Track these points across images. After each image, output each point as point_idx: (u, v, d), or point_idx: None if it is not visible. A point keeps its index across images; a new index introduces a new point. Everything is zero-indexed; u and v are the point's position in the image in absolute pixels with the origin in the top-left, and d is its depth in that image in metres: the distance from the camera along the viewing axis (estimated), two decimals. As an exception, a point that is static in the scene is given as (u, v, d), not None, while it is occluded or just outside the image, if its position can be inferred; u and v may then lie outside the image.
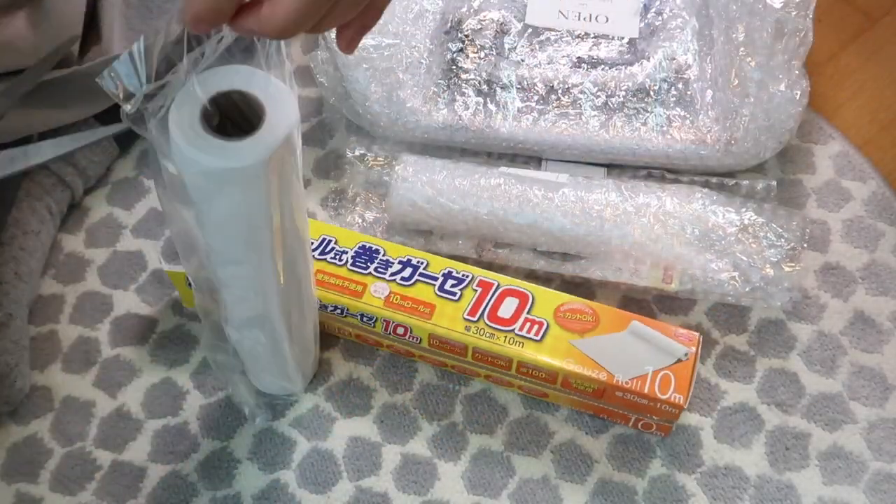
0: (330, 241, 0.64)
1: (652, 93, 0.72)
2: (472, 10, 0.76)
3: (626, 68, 0.73)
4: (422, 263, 0.63)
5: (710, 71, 0.72)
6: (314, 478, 0.61)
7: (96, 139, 0.63)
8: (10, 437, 0.63)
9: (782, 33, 0.70)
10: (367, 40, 0.72)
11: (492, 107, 0.72)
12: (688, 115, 0.71)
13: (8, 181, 0.62)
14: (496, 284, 0.62)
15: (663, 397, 0.57)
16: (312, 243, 0.64)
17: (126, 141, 0.75)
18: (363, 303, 0.61)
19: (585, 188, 0.67)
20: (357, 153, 0.73)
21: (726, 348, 0.66)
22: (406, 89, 0.72)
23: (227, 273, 0.50)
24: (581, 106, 0.72)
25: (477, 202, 0.67)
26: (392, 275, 0.62)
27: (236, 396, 0.61)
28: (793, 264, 0.66)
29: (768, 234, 0.66)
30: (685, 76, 0.72)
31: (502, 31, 0.75)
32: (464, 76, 0.73)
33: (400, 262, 0.63)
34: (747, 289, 0.65)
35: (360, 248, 0.64)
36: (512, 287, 0.62)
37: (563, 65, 0.74)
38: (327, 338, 0.67)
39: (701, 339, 0.59)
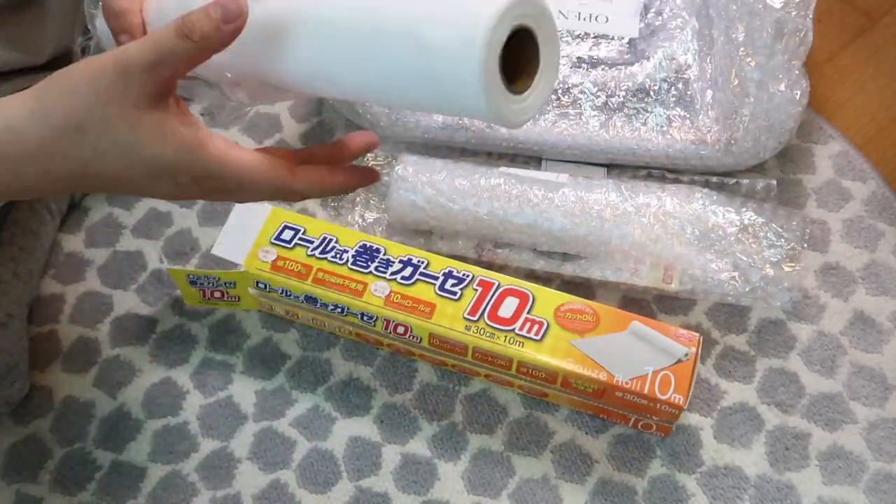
0: (331, 240, 0.64)
1: (652, 93, 0.72)
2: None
3: (626, 68, 0.73)
4: (422, 263, 0.63)
5: (710, 71, 0.72)
6: (314, 478, 0.61)
7: None
8: (10, 437, 0.63)
9: (782, 33, 0.70)
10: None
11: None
12: (688, 115, 0.71)
13: None
14: (496, 284, 0.62)
15: (663, 397, 0.57)
16: (313, 242, 0.64)
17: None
18: (364, 302, 0.61)
19: (585, 188, 0.67)
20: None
21: (726, 348, 0.66)
22: (406, 89, 0.72)
23: None
24: (581, 106, 0.72)
25: (477, 202, 0.67)
26: (392, 274, 0.62)
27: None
28: (793, 264, 0.66)
29: (768, 234, 0.66)
30: (685, 76, 0.72)
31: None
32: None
33: (400, 262, 0.63)
34: (747, 289, 0.65)
35: (360, 247, 0.64)
36: (512, 287, 0.62)
37: (563, 65, 0.74)
38: (327, 337, 0.67)
39: (701, 340, 0.59)
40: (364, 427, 0.63)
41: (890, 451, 0.62)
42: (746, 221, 0.67)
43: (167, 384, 0.66)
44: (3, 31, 0.65)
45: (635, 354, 0.59)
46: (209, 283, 0.65)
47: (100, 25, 0.61)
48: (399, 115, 0.72)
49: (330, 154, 0.50)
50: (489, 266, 0.65)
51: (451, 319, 0.60)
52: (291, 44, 0.43)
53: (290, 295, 0.63)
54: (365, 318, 0.62)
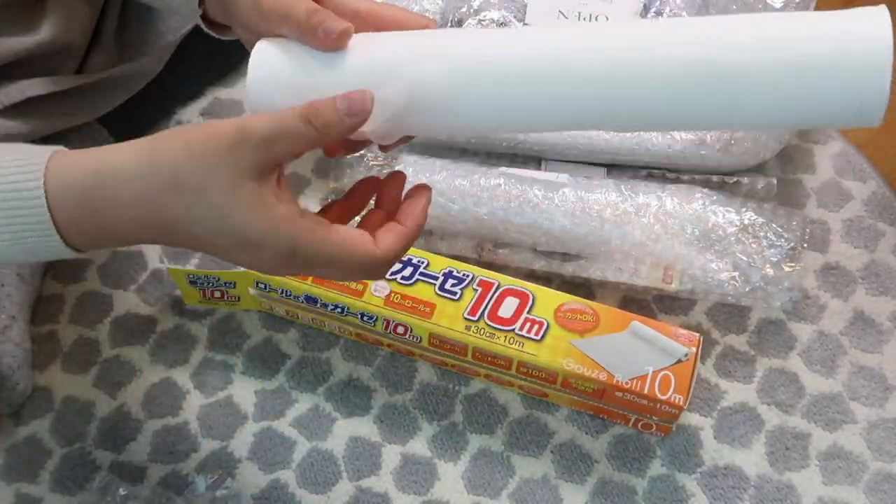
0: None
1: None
2: (472, 10, 0.76)
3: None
4: (422, 263, 0.63)
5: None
6: (314, 478, 0.61)
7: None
8: (10, 437, 0.63)
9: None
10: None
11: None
12: (688, 115, 0.71)
13: None
14: (496, 284, 0.62)
15: (663, 398, 0.57)
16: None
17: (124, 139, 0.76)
18: (364, 302, 0.61)
19: (585, 188, 0.67)
20: (357, 153, 0.72)
21: (726, 348, 0.66)
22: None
23: None
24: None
25: (477, 202, 0.67)
26: (392, 274, 0.62)
27: None
28: (793, 264, 0.66)
29: (768, 234, 0.66)
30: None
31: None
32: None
33: (400, 262, 0.63)
34: (747, 289, 0.65)
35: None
36: (512, 287, 0.62)
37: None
38: (327, 337, 0.67)
39: (701, 340, 0.59)
40: (364, 427, 0.63)
41: (890, 451, 0.62)
42: (746, 221, 0.67)
43: (167, 384, 0.66)
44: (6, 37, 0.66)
45: (635, 354, 0.59)
46: (209, 282, 0.65)
47: None
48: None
49: (390, 204, 0.48)
50: (489, 266, 0.65)
51: (451, 319, 0.60)
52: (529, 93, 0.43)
53: (290, 295, 0.63)
54: (365, 318, 0.62)
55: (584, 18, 0.76)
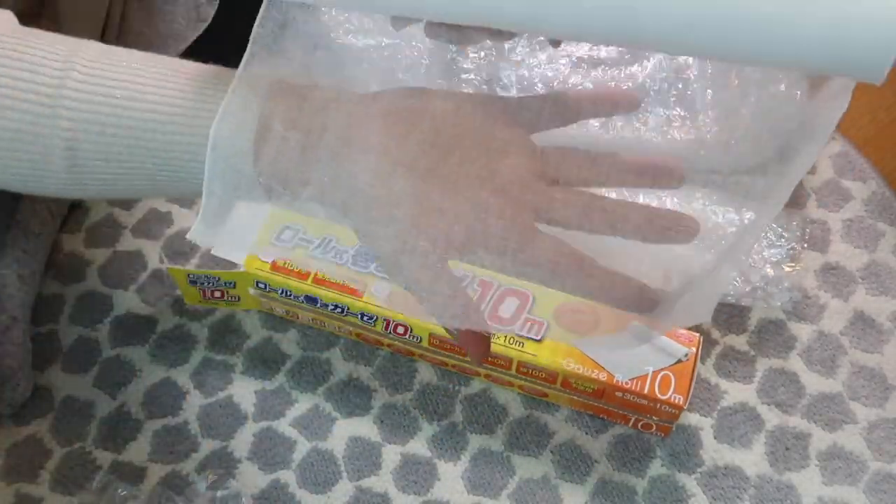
0: (331, 240, 0.64)
1: (652, 93, 0.72)
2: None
3: (626, 68, 0.73)
4: (422, 263, 0.63)
5: (710, 71, 0.72)
6: (314, 478, 0.61)
7: None
8: (10, 437, 0.63)
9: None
10: (368, 40, 0.72)
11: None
12: (688, 115, 0.71)
13: None
14: (496, 284, 0.62)
15: (663, 398, 0.57)
16: (313, 242, 0.64)
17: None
18: (364, 302, 0.61)
19: (585, 188, 0.67)
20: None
21: (726, 348, 0.66)
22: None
23: None
24: (581, 106, 0.72)
25: (477, 202, 0.67)
26: (392, 275, 0.62)
27: None
28: (793, 264, 0.66)
29: (768, 234, 0.66)
30: (685, 76, 0.72)
31: (502, 31, 0.75)
32: (464, 76, 0.73)
33: (400, 262, 0.63)
34: (747, 289, 0.65)
35: (361, 246, 0.64)
36: (512, 287, 0.62)
37: (563, 65, 0.74)
38: (327, 337, 0.67)
39: (701, 340, 0.59)
40: (364, 427, 0.63)
41: (890, 451, 0.62)
42: (746, 221, 0.67)
43: (167, 384, 0.66)
44: None
45: (635, 354, 0.59)
46: (209, 282, 0.65)
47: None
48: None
49: None
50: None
51: (451, 319, 0.60)
52: None
53: (290, 295, 0.63)
54: (365, 318, 0.62)
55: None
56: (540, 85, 0.73)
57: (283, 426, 0.63)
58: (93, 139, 0.41)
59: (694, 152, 0.70)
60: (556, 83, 0.72)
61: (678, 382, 0.58)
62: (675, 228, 0.44)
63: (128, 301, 0.69)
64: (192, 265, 0.71)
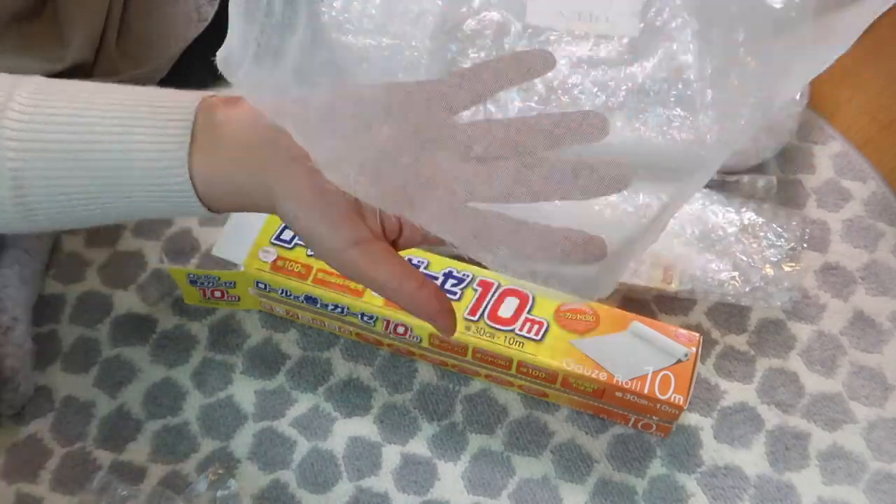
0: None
1: (652, 93, 0.72)
2: (471, 10, 0.76)
3: (626, 68, 0.73)
4: (423, 263, 0.63)
5: (709, 71, 0.72)
6: (314, 478, 0.61)
7: None
8: (10, 437, 0.63)
9: (782, 33, 0.70)
10: (368, 40, 0.72)
11: (491, 107, 0.72)
12: (688, 115, 0.71)
13: None
14: (496, 284, 0.62)
15: (663, 398, 0.57)
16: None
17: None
18: (364, 302, 0.61)
19: (585, 188, 0.67)
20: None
21: (726, 348, 0.66)
22: (406, 89, 0.72)
23: None
24: (581, 106, 0.72)
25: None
26: (392, 275, 0.62)
27: None
28: (793, 264, 0.66)
29: (768, 234, 0.66)
30: (685, 76, 0.72)
31: (502, 31, 0.75)
32: (464, 76, 0.73)
33: (400, 262, 0.63)
34: (747, 289, 0.65)
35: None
36: (512, 287, 0.62)
37: (563, 65, 0.74)
38: (327, 337, 0.67)
39: (701, 340, 0.59)
40: (364, 427, 0.63)
41: (890, 451, 0.62)
42: (746, 221, 0.67)
43: (167, 384, 0.66)
44: (14, 40, 0.66)
45: (635, 354, 0.59)
46: (209, 282, 0.65)
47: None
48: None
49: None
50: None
51: (451, 319, 0.60)
52: None
53: (290, 295, 0.63)
54: (365, 318, 0.62)
55: (584, 18, 0.76)
56: (540, 85, 0.73)
57: (283, 426, 0.63)
58: (37, 164, 0.41)
59: (694, 152, 0.70)
60: (556, 83, 0.72)
61: (678, 382, 0.58)
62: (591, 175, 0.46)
63: (128, 301, 0.69)
64: (192, 265, 0.71)
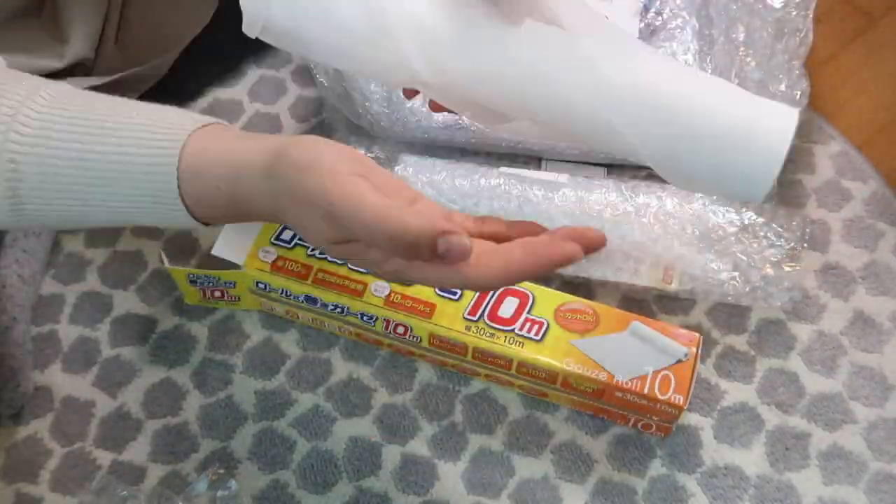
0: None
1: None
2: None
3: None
4: (422, 263, 0.63)
5: (709, 71, 0.72)
6: (314, 478, 0.61)
7: None
8: (10, 437, 0.63)
9: (782, 33, 0.70)
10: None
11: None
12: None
13: None
14: (496, 284, 0.62)
15: (663, 398, 0.57)
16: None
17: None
18: (364, 302, 0.61)
19: (585, 188, 0.67)
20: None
21: (726, 348, 0.66)
22: (406, 89, 0.72)
23: None
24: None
25: (477, 202, 0.67)
26: (392, 275, 0.62)
27: None
28: (793, 264, 0.66)
29: (768, 234, 0.66)
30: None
31: None
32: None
33: (400, 262, 0.63)
34: (747, 289, 0.65)
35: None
36: (512, 287, 0.62)
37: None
38: (327, 337, 0.67)
39: (701, 340, 0.59)
40: (364, 427, 0.63)
41: (890, 451, 0.62)
42: (746, 221, 0.67)
43: (167, 384, 0.66)
44: (14, 37, 0.66)
45: (635, 354, 0.59)
46: (209, 282, 0.65)
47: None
48: (399, 116, 0.72)
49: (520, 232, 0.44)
50: (489, 266, 0.65)
51: (451, 319, 0.60)
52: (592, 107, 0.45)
53: (290, 295, 0.63)
54: (365, 318, 0.62)
55: (584, 18, 0.76)
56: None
57: (283, 426, 0.63)
58: (35, 168, 0.42)
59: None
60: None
61: (678, 382, 0.58)
62: None
63: (128, 301, 0.69)
64: (192, 265, 0.71)
